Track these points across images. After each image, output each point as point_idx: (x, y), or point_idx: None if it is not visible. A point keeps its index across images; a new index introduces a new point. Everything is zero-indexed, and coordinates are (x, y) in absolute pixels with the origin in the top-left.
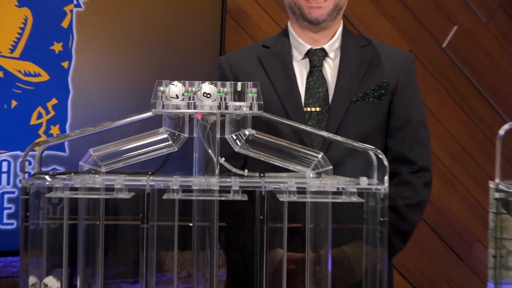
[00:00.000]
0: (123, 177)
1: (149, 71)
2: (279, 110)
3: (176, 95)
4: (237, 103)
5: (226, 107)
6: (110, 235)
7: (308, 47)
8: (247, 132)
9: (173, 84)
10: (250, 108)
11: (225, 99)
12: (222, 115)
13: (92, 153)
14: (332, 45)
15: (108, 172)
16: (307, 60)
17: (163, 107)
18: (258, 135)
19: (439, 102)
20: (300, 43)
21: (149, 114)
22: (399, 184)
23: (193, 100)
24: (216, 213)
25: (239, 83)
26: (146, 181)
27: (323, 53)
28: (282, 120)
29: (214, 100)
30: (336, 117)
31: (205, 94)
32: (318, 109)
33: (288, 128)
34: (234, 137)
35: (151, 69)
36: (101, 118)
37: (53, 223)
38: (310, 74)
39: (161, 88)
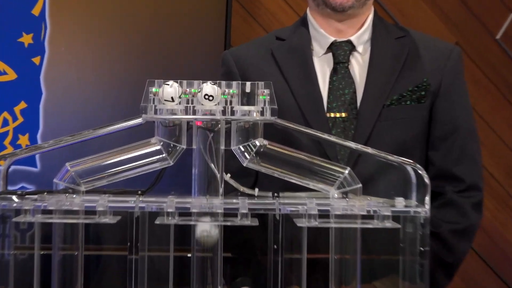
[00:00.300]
0: (106, 198)
1: (139, 69)
2: (297, 115)
3: (172, 98)
4: (246, 108)
5: (232, 112)
6: (91, 268)
7: (332, 39)
8: (257, 143)
9: (168, 84)
10: (262, 113)
11: (231, 103)
12: (228, 122)
13: (69, 168)
14: (361, 36)
15: (88, 192)
16: (330, 55)
17: (155, 112)
18: (271, 146)
19: (491, 106)
20: (322, 34)
21: (138, 121)
22: (443, 205)
23: (192, 103)
24: (220, 241)
25: (248, 83)
26: (135, 203)
27: (350, 47)
28: (300, 128)
29: (218, 103)
30: (366, 125)
31: (206, 97)
32: (343, 114)
33: (307, 137)
34: (242, 149)
35: (141, 66)
36: (81, 126)
37: (21, 253)
38: (334, 72)
39: (153, 89)
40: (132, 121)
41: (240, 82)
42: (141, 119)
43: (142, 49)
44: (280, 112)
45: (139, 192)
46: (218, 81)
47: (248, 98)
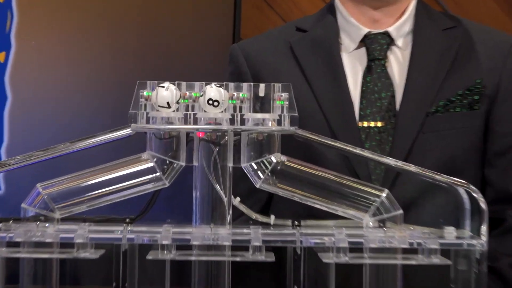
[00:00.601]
0: (87, 227)
1: (128, 68)
2: (322, 125)
3: (168, 103)
4: (259, 115)
5: (243, 121)
6: None
7: (366, 30)
8: (273, 159)
9: (163, 87)
10: (279, 122)
11: (240, 109)
12: (237, 133)
13: (40, 190)
14: (401, 27)
15: (65, 220)
16: (363, 50)
17: (147, 121)
18: (290, 163)
19: None
20: (353, 24)
21: (126, 131)
22: (504, 234)
23: (192, 110)
24: (228, 281)
25: (261, 85)
26: (122, 233)
27: (388, 40)
28: (325, 141)
29: (225, 110)
30: (407, 136)
31: (210, 102)
32: (379, 124)
33: (334, 152)
34: (255, 166)
35: (130, 64)
36: (55, 138)
37: None
38: (368, 71)
39: (145, 93)
40: (118, 132)
41: (252, 83)
42: (129, 129)
43: (132, 44)
44: (301, 121)
45: (127, 220)
46: (225, 83)
47: (261, 104)
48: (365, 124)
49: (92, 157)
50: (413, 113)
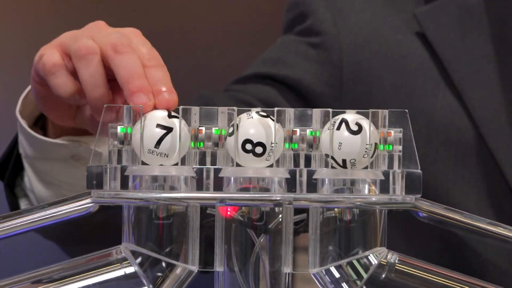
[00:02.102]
0: None
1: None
2: (478, 157)
3: (166, 155)
4: (346, 173)
5: (312, 185)
6: None
7: None
8: (373, 259)
9: (158, 114)
10: (383, 186)
11: (308, 161)
12: (301, 209)
13: None
14: None
15: None
16: None
17: (123, 185)
18: (405, 267)
19: None
20: None
21: (83, 205)
22: None
23: (213, 163)
24: None
25: (349, 116)
26: None
27: None
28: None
29: (276, 162)
30: None
31: (249, 147)
32: None
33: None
34: (336, 274)
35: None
36: None
37: None
38: None
39: (120, 129)
40: (66, 206)
41: (326, 109)
42: (89, 199)
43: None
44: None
45: None
46: (277, 109)
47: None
48: None
49: (27, 247)
50: None
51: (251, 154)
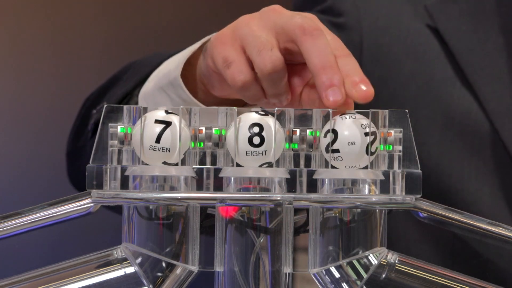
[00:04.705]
0: None
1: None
2: (487, 140)
3: (166, 154)
4: (345, 173)
5: (313, 185)
6: None
7: None
8: (373, 259)
9: (157, 109)
10: (384, 186)
11: (308, 161)
12: (300, 209)
13: None
14: None
15: None
16: None
17: (123, 185)
18: (405, 267)
19: None
20: None
21: (83, 205)
22: None
23: (213, 163)
24: None
25: (346, 121)
26: None
27: None
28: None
29: (276, 162)
30: None
31: (248, 153)
32: None
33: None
34: (336, 274)
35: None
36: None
37: None
38: None
39: (120, 129)
40: (66, 206)
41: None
42: (89, 199)
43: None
44: (450, 135)
45: None
46: (276, 109)
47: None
48: None
49: (27, 248)
50: None
51: (250, 154)
